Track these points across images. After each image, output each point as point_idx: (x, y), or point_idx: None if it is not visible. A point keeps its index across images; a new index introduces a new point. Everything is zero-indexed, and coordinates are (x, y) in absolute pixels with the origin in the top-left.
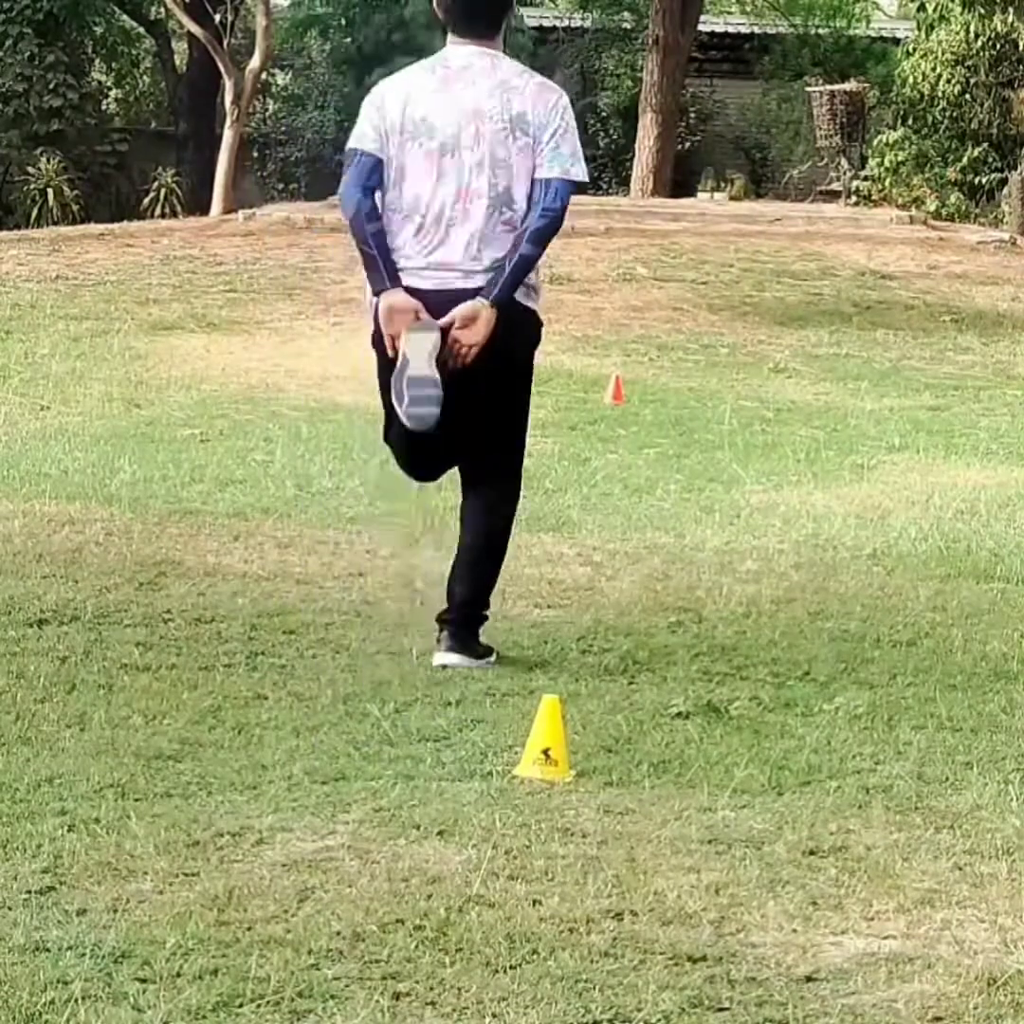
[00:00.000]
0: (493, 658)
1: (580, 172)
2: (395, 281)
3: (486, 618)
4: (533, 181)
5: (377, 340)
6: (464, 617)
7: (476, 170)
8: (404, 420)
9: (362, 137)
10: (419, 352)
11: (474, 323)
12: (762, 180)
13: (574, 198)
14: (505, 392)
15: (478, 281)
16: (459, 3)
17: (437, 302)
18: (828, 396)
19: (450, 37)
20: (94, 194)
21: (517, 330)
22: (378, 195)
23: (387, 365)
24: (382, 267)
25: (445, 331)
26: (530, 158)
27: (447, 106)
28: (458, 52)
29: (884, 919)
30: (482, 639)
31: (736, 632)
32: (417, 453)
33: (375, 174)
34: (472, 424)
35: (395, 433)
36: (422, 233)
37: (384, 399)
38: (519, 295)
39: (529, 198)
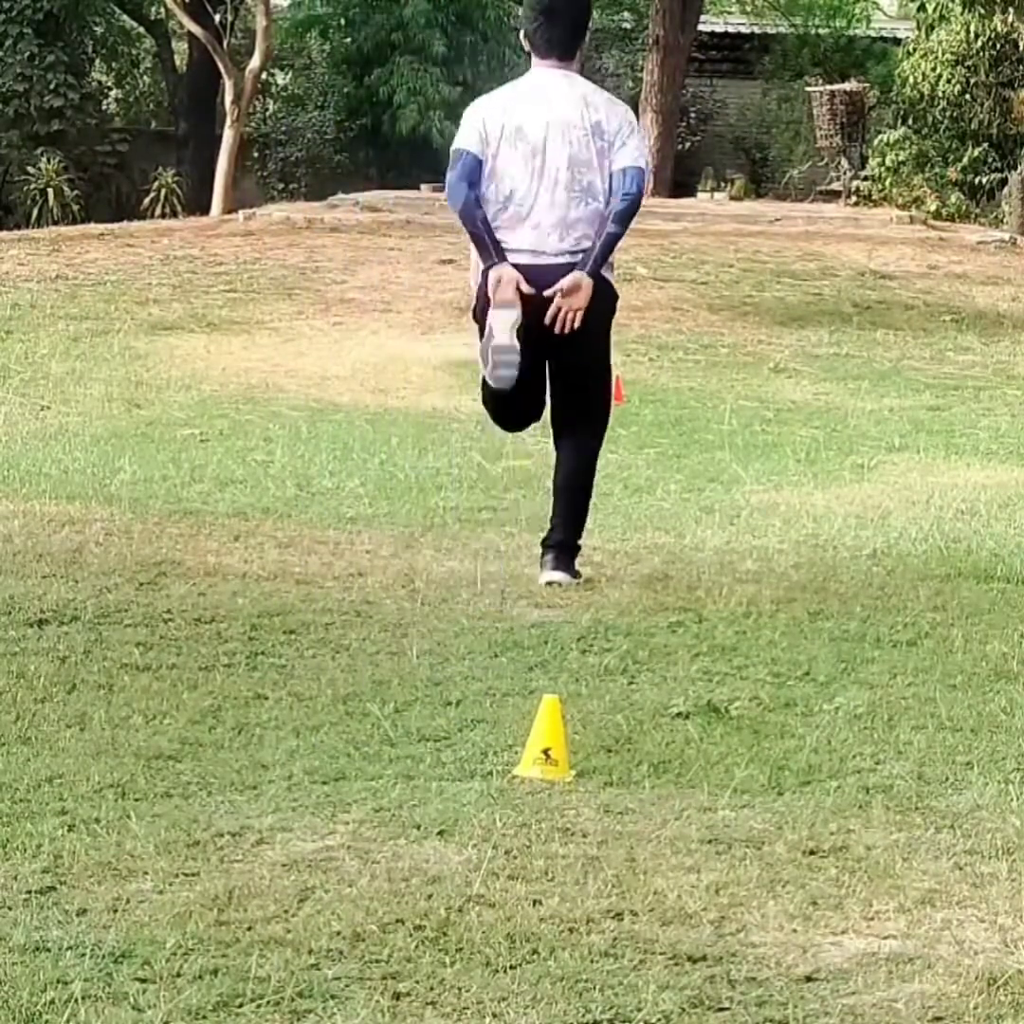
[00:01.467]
0: (581, 578)
1: (645, 162)
2: (502, 257)
3: (580, 548)
4: (611, 174)
5: (479, 314)
6: (564, 544)
7: (562, 168)
8: (489, 382)
9: (467, 141)
10: (503, 326)
11: (577, 291)
12: (762, 180)
13: None
14: (593, 347)
15: (565, 258)
16: (541, 34)
17: (532, 276)
18: (828, 396)
19: (534, 60)
20: (94, 194)
21: (601, 297)
22: (478, 189)
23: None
24: (490, 246)
25: (541, 307)
26: (606, 157)
27: (537, 117)
28: (542, 73)
29: (884, 919)
30: (577, 564)
31: (736, 632)
32: (506, 410)
33: (476, 172)
34: (567, 374)
35: (488, 393)
36: (517, 220)
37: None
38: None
39: (608, 189)
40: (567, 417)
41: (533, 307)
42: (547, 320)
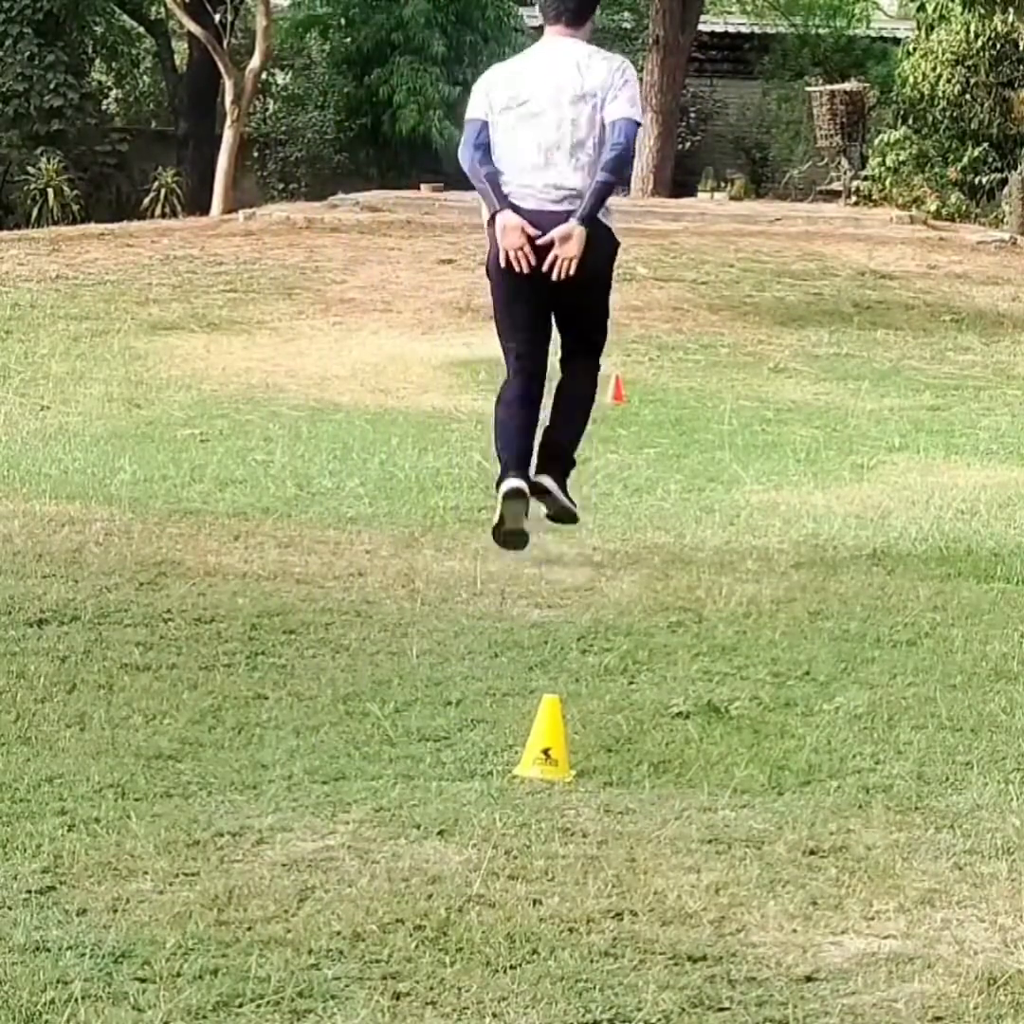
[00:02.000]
0: (578, 505)
1: (637, 114)
2: (505, 203)
3: (575, 463)
4: (602, 126)
5: (490, 266)
6: (560, 459)
7: (556, 127)
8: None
9: (474, 108)
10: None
11: (570, 239)
12: (762, 180)
13: None
14: (592, 289)
15: (564, 206)
16: (550, 3)
17: (535, 219)
18: (828, 396)
19: (545, 27)
20: (94, 194)
21: (598, 242)
22: (486, 149)
23: (500, 279)
24: (494, 195)
25: (545, 248)
26: (597, 114)
27: (537, 82)
28: (549, 40)
29: (884, 919)
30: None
31: (736, 632)
32: (519, 316)
33: (483, 133)
34: (570, 315)
35: (501, 301)
36: (519, 172)
37: (497, 311)
38: (599, 214)
39: (599, 142)
40: (570, 353)
41: (536, 254)
42: (543, 268)
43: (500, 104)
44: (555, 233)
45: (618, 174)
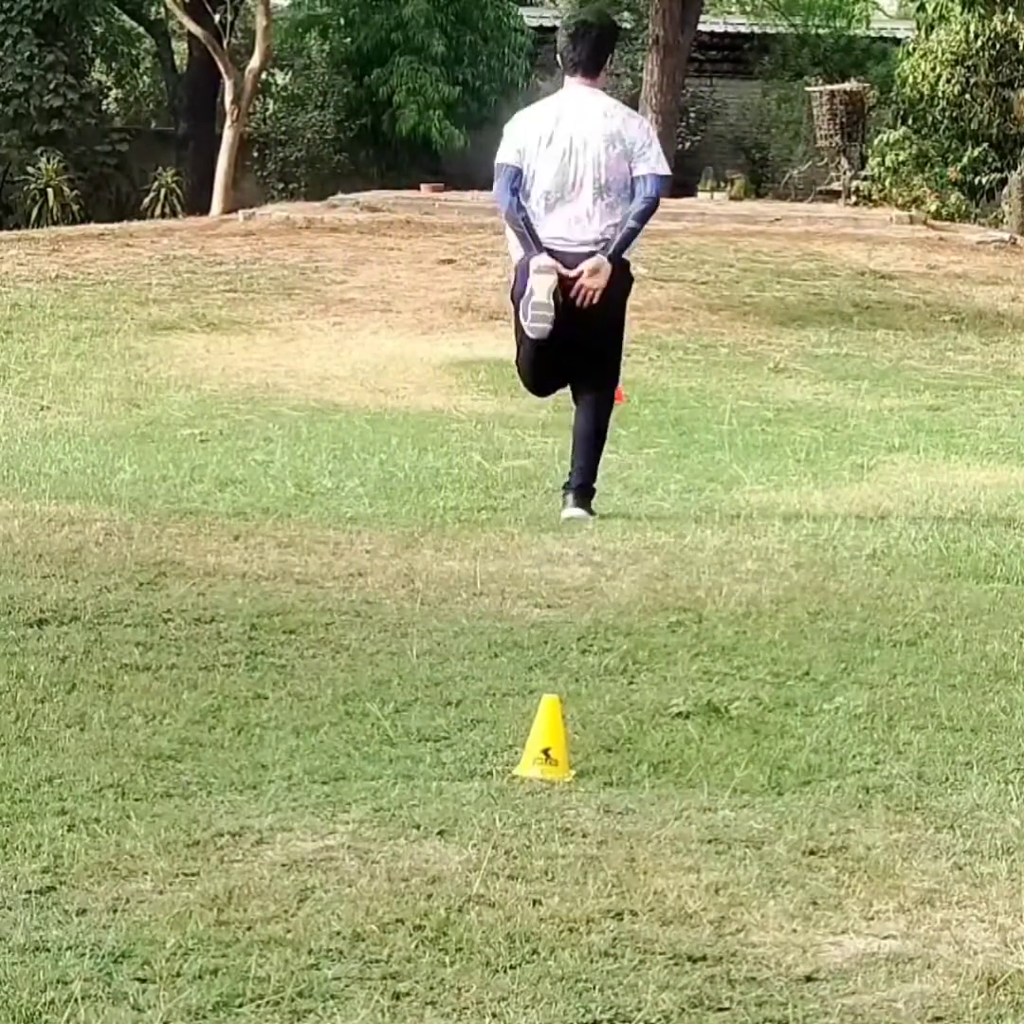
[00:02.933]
0: (595, 516)
1: (664, 168)
2: (540, 247)
3: (595, 490)
4: (633, 178)
5: (515, 295)
6: (584, 486)
7: (585, 170)
8: (527, 332)
9: (507, 155)
10: (542, 287)
11: (598, 272)
12: (762, 180)
13: None
14: (609, 317)
15: (590, 245)
16: (569, 57)
17: (564, 258)
18: (828, 396)
19: (566, 78)
20: (94, 194)
21: (620, 278)
22: (520, 194)
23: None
24: (531, 241)
25: (572, 279)
26: (624, 161)
27: (566, 127)
28: (572, 89)
29: (884, 919)
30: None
31: (736, 632)
32: (539, 374)
33: (517, 179)
34: (588, 342)
35: (523, 358)
36: (551, 213)
37: (518, 338)
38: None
39: (631, 190)
40: (586, 376)
41: (563, 285)
42: (571, 294)
43: (531, 147)
44: (586, 265)
45: (644, 223)
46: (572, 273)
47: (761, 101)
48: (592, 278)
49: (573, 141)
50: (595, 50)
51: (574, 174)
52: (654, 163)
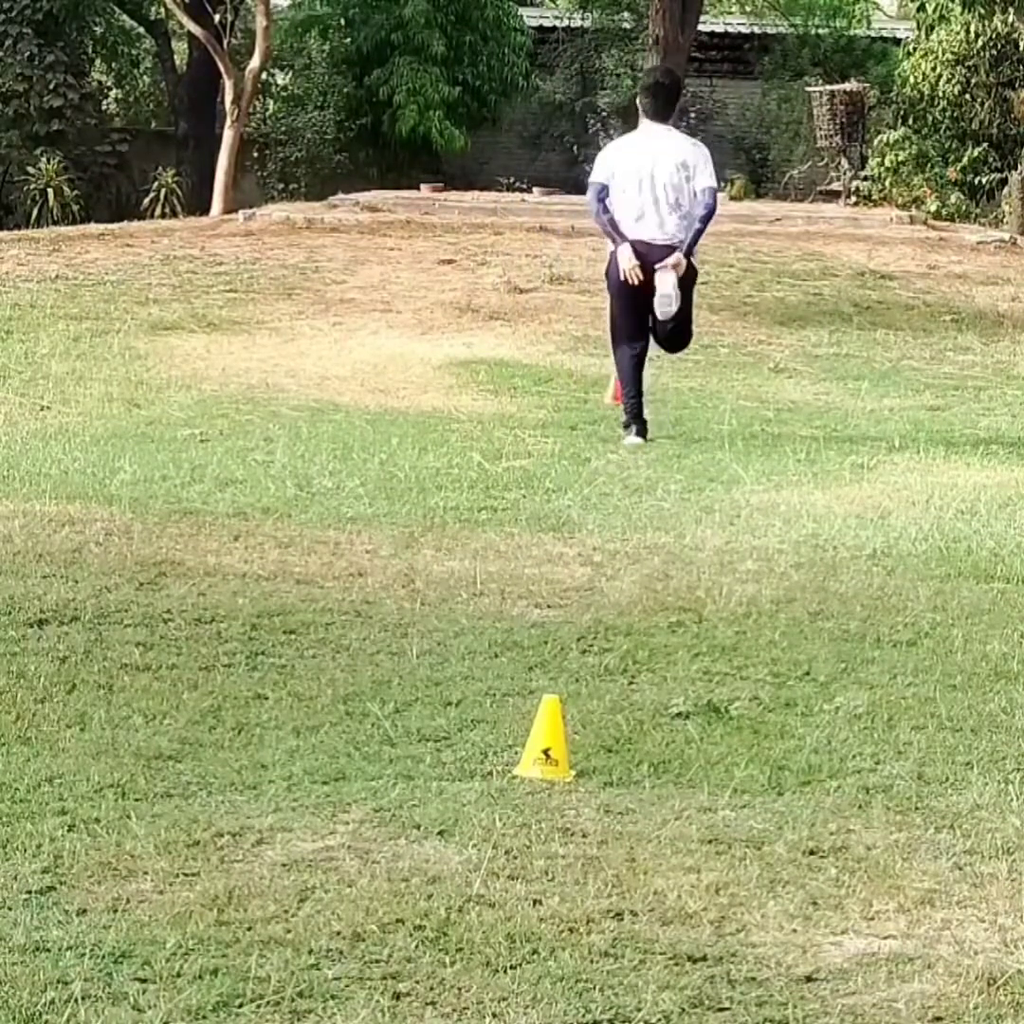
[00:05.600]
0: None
1: (715, 182)
2: (624, 238)
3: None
4: (694, 192)
5: (612, 280)
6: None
7: (662, 189)
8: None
9: (598, 174)
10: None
11: (678, 265)
12: (762, 180)
13: (577, 198)
14: (685, 296)
15: (666, 243)
16: (646, 105)
17: (644, 251)
18: (828, 396)
19: (642, 119)
20: (94, 194)
21: (689, 269)
22: (604, 201)
23: (620, 291)
24: (616, 234)
25: (651, 269)
26: (689, 181)
27: (645, 155)
28: (648, 127)
29: (884, 919)
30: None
31: (736, 632)
32: (637, 326)
33: (604, 192)
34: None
35: (624, 322)
36: (636, 221)
37: (612, 300)
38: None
39: (689, 200)
40: (667, 342)
41: (644, 273)
42: (656, 282)
43: (621, 172)
44: (669, 261)
45: (707, 224)
46: (657, 267)
47: (761, 101)
48: (675, 267)
49: (654, 170)
50: (667, 102)
51: (652, 193)
52: (709, 179)
